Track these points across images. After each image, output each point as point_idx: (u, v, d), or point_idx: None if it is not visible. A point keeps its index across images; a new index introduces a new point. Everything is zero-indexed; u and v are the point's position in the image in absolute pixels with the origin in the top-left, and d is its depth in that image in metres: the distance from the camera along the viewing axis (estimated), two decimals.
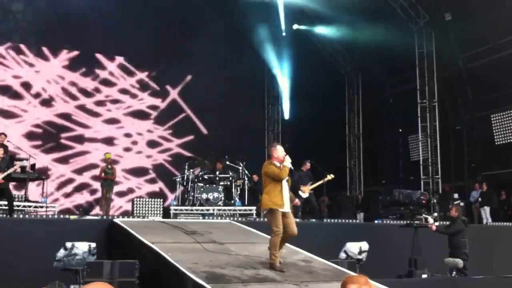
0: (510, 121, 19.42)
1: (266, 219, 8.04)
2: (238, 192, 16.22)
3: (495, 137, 19.90)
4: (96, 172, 17.11)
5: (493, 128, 19.96)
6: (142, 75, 21.81)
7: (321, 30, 22.93)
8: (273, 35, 22.01)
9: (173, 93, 22.32)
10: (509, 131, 19.43)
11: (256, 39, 21.36)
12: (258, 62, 22.21)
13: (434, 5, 20.11)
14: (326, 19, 22.06)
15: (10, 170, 11.54)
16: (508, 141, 19.43)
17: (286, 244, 8.06)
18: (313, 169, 14.58)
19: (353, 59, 24.25)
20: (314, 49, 23.42)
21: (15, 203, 12.10)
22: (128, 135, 21.35)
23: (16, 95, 19.56)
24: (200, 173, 16.06)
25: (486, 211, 17.20)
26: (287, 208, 7.64)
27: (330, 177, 13.89)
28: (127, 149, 21.24)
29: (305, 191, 13.99)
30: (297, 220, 10.50)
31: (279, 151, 7.82)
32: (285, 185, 7.70)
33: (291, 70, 22.84)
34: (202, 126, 22.66)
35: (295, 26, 22.70)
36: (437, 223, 11.76)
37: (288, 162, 7.67)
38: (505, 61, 18.76)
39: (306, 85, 21.93)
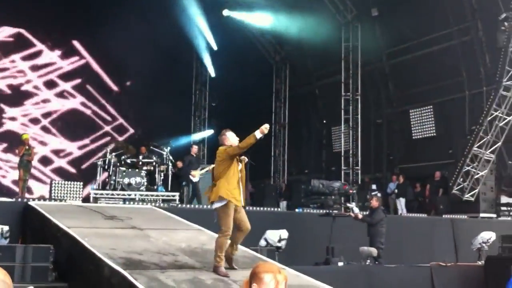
0: (427, 116, 20.23)
1: (214, 209, 7.02)
2: (162, 177, 16.03)
3: (413, 131, 20.69)
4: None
5: (411, 122, 20.74)
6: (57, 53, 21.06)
7: (251, 18, 22.88)
8: (206, 19, 21.83)
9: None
10: (426, 126, 20.25)
11: (187, 22, 21.09)
12: (186, 46, 21.97)
13: (362, 0, 20.57)
14: (257, 7, 22.08)
15: None
16: (425, 135, 20.26)
17: (207, 231, 8.00)
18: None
19: (282, 49, 24.46)
20: (244, 36, 23.43)
21: None
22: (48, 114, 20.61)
23: None
24: (123, 157, 15.75)
25: (401, 202, 17.88)
26: (242, 201, 6.99)
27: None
28: (47, 130, 20.48)
29: (195, 176, 13.98)
30: None
31: (230, 138, 7.08)
32: (242, 177, 7.02)
33: (219, 57, 22.77)
34: (127, 110, 22.20)
35: (226, 12, 22.56)
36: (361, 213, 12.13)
37: (259, 132, 6.70)
38: (426, 59, 19.55)
39: (234, 71, 21.93)
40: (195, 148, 14.67)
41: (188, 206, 13.74)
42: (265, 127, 6.74)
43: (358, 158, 20.47)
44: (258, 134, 6.73)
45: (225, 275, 6.71)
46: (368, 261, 11.24)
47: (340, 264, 10.88)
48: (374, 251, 11.19)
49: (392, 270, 11.15)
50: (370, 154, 21.24)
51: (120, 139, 19.05)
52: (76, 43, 21.37)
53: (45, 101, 20.54)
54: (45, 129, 20.53)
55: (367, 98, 21.23)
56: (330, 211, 12.05)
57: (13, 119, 19.85)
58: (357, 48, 20.67)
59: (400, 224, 14.26)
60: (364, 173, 20.67)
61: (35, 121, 20.39)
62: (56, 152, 20.64)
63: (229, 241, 7.01)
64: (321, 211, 13.20)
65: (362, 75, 20.75)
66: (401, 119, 21.14)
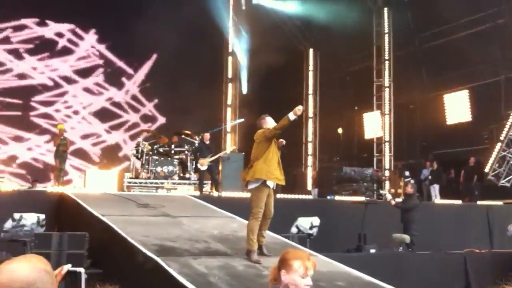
0: (461, 101, 19.88)
1: (248, 189, 7.20)
2: (194, 166, 16.17)
3: (447, 117, 20.35)
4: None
5: (445, 108, 20.40)
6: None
7: (281, 5, 22.78)
8: (233, 9, 21.81)
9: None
10: (460, 111, 19.90)
11: (217, 10, 21.12)
12: (216, 35, 21.97)
13: None
14: None
15: None
16: (459, 121, 19.92)
17: (239, 218, 8.04)
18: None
19: (312, 35, 24.28)
20: (274, 24, 23.31)
21: None
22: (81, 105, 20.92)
23: None
24: (155, 147, 15.93)
25: (435, 189, 17.66)
26: (282, 182, 7.15)
27: (232, 148, 14.24)
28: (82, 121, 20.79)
29: (203, 164, 14.07)
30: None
31: (269, 122, 7.23)
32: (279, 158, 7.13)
33: (250, 45, 22.72)
34: (158, 99, 22.35)
35: (255, 1, 22.50)
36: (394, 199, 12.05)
37: (292, 114, 6.78)
38: (459, 43, 19.14)
39: (264, 60, 21.85)
40: (207, 136, 14.66)
41: (219, 194, 13.83)
42: (298, 109, 6.82)
43: (391, 145, 20.27)
44: (291, 115, 6.83)
45: (256, 262, 6.78)
46: (401, 248, 11.17)
47: (372, 251, 10.83)
48: (407, 238, 11.10)
49: (425, 257, 11.06)
50: (403, 140, 20.96)
51: (152, 128, 19.16)
52: (101, 32, 21.49)
53: (75, 94, 20.81)
54: (79, 120, 20.83)
55: (399, 84, 20.93)
56: (363, 198, 12.00)
57: (45, 114, 20.13)
58: (388, 33, 20.40)
59: (433, 211, 14.12)
60: (396, 159, 20.48)
61: (68, 112, 20.68)
62: (90, 141, 20.93)
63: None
64: (353, 198, 13.18)
65: (394, 60, 20.50)
66: (434, 104, 20.80)
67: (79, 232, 7.84)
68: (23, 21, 19.96)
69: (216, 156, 14.39)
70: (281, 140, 7.28)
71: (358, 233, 11.15)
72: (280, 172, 7.03)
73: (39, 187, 13.90)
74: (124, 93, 21.69)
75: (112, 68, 21.46)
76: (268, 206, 7.09)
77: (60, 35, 20.65)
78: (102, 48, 21.26)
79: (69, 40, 20.75)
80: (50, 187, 13.57)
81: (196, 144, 15.58)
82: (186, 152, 15.97)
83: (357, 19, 20.06)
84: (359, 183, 14.32)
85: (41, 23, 20.30)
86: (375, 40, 20.61)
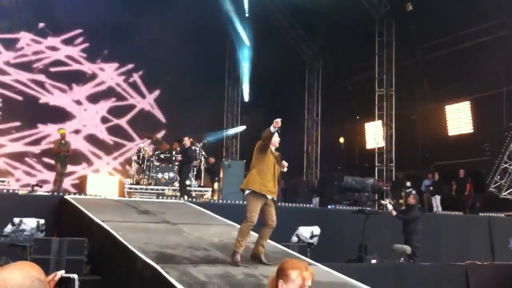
0: (463, 112, 19.86)
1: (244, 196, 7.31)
2: (194, 173, 16.15)
3: (449, 128, 20.33)
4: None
5: (447, 119, 20.38)
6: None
7: (284, 14, 22.80)
8: (237, 15, 21.85)
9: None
10: (462, 122, 19.88)
11: (220, 18, 21.17)
12: (220, 41, 22.02)
13: None
14: (289, 3, 21.98)
15: None
16: (461, 132, 19.89)
17: (239, 226, 7.99)
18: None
19: (315, 44, 24.32)
20: (277, 32, 23.37)
21: None
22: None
23: None
24: (156, 153, 15.91)
25: (437, 200, 17.61)
26: (274, 196, 7.20)
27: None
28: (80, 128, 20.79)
29: None
30: None
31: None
32: (276, 171, 7.20)
33: (252, 52, 22.76)
34: (158, 106, 22.32)
35: (258, 8, 22.48)
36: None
37: (272, 126, 6.89)
38: (462, 54, 19.13)
39: (266, 68, 21.88)
40: (186, 140, 14.54)
41: (220, 201, 13.78)
42: (276, 121, 6.94)
43: (392, 155, 20.24)
44: (272, 128, 6.99)
45: (236, 263, 6.89)
46: (402, 259, 11.11)
47: (373, 261, 10.76)
48: (408, 248, 11.05)
49: (426, 268, 11.00)
50: (404, 150, 20.94)
51: (155, 135, 19.12)
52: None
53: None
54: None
55: (401, 94, 20.92)
56: (364, 207, 11.94)
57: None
58: (391, 43, 20.42)
59: (435, 222, 14.07)
60: (398, 170, 20.44)
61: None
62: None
63: (253, 235, 7.10)
64: (353, 207, 13.12)
65: (396, 71, 20.50)
66: (436, 115, 20.77)
67: (78, 237, 7.80)
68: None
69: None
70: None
71: (359, 243, 11.08)
72: (273, 185, 7.12)
73: (40, 191, 13.84)
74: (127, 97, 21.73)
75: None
76: (269, 216, 7.13)
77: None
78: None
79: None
80: (50, 191, 13.51)
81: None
82: None
83: (359, 29, 20.07)
84: (360, 193, 14.23)
85: None
86: (377, 50, 20.61)
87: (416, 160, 21.41)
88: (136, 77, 21.93)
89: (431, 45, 20.51)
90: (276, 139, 7.25)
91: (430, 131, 20.83)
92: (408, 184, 18.85)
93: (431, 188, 17.95)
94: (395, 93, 20.44)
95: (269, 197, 7.10)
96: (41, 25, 20.23)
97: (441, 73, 20.22)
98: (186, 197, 13.16)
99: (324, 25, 21.56)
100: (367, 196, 14.30)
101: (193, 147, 15.68)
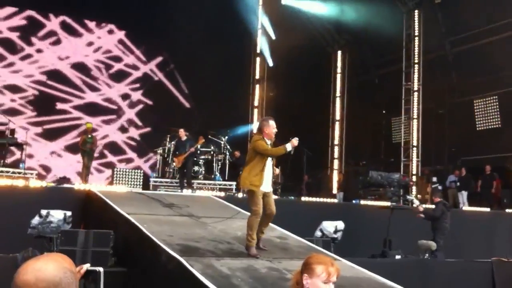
0: (492, 107, 19.54)
1: (246, 196, 7.63)
2: (219, 166, 16.21)
3: (477, 122, 20.03)
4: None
5: (475, 113, 20.08)
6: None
7: (310, 7, 22.66)
8: (264, 8, 21.81)
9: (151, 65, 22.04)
10: (491, 117, 19.57)
11: (245, 12, 21.14)
12: (245, 35, 21.98)
13: None
14: None
15: None
16: (489, 127, 19.58)
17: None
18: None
19: (341, 38, 24.14)
20: (302, 26, 23.22)
21: None
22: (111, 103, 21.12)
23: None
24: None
25: (463, 196, 17.39)
26: (267, 187, 7.22)
27: (201, 142, 14.29)
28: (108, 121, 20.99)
29: (179, 162, 14.19)
30: (276, 197, 10.56)
31: (271, 127, 7.26)
32: (269, 163, 7.20)
33: (278, 47, 22.67)
34: (184, 100, 22.41)
35: (284, 1, 22.44)
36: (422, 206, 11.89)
37: (290, 145, 7.00)
38: (491, 47, 18.81)
39: (292, 62, 21.79)
40: (181, 132, 14.46)
41: (245, 195, 13.79)
42: (295, 140, 7.03)
43: (419, 150, 20.03)
44: (288, 146, 7.05)
45: (255, 256, 6.97)
46: (427, 255, 11.01)
47: (398, 257, 10.70)
48: (433, 244, 10.95)
49: (451, 265, 10.89)
50: (431, 145, 20.69)
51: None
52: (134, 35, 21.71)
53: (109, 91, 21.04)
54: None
55: (429, 88, 20.64)
56: (390, 203, 11.86)
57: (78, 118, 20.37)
58: (419, 36, 20.16)
59: (461, 218, 13.88)
60: (424, 165, 20.20)
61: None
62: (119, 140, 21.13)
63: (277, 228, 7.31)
64: (378, 202, 13.04)
65: (423, 64, 20.23)
66: (464, 109, 20.48)
67: (104, 230, 7.90)
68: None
69: (188, 153, 14.23)
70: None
71: (383, 238, 11.02)
72: (259, 178, 7.06)
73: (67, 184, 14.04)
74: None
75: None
76: (268, 205, 7.23)
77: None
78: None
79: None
80: (77, 184, 13.70)
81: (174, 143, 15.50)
82: (212, 152, 16.01)
83: (387, 22, 19.85)
84: (386, 188, 14.15)
85: None
86: (405, 43, 20.37)
87: (442, 155, 21.15)
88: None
89: (460, 38, 20.20)
90: (273, 130, 7.27)
91: (458, 125, 20.54)
92: (434, 179, 18.64)
93: (458, 184, 17.73)
94: (422, 87, 20.19)
95: (266, 189, 7.19)
96: None
97: (469, 66, 19.92)
98: (190, 190, 13.43)
99: (351, 18, 21.35)
100: (392, 191, 14.21)
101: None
